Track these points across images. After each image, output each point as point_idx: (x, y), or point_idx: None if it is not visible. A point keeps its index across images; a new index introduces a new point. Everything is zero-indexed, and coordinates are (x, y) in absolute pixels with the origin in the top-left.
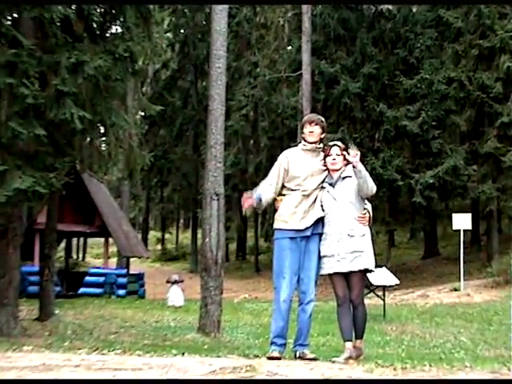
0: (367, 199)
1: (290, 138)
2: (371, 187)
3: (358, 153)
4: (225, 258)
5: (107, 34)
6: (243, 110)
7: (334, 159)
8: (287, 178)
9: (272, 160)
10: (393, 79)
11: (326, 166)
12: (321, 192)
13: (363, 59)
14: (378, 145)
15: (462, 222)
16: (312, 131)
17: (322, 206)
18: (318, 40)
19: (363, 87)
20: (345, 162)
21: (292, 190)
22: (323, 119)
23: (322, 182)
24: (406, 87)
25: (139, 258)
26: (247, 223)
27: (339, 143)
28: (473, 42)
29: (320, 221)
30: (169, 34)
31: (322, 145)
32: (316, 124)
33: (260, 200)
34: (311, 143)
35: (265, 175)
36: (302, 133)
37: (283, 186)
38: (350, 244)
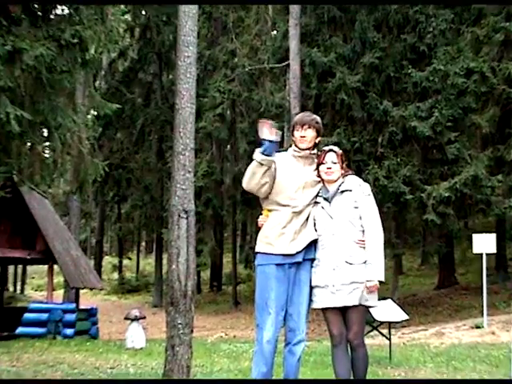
0: None
1: None
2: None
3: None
4: (196, 288)
5: (51, 16)
6: (218, 109)
7: (329, 168)
8: (274, 189)
9: None
10: (399, 71)
11: (319, 176)
12: (314, 208)
13: (363, 47)
14: (382, 150)
15: (484, 243)
16: (304, 136)
17: (315, 225)
18: (309, 23)
19: (363, 81)
20: (343, 170)
21: (280, 204)
22: (319, 120)
23: (316, 196)
24: (416, 80)
25: (91, 289)
26: (223, 246)
27: (335, 148)
28: (497, 25)
29: (313, 244)
30: (127, 16)
31: (316, 150)
32: (309, 127)
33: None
34: (303, 149)
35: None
36: (293, 136)
37: (267, 199)
38: (347, 273)
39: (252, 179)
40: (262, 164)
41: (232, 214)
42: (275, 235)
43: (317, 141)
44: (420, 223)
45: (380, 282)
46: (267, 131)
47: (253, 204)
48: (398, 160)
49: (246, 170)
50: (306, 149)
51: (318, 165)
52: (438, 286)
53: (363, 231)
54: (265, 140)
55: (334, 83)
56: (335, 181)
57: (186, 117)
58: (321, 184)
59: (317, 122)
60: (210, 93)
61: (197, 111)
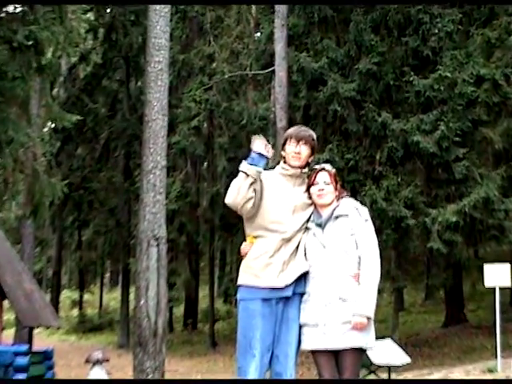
0: None
1: None
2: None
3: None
4: (168, 327)
5: (1, 15)
6: (193, 121)
7: (321, 189)
8: (260, 212)
9: None
10: (400, 78)
11: (310, 198)
12: (305, 235)
13: (359, 51)
14: (380, 169)
15: (497, 275)
16: (299, 152)
17: (305, 254)
18: (297, 24)
19: (359, 89)
20: (337, 192)
21: (267, 230)
22: (315, 136)
23: (307, 221)
24: (419, 89)
25: (47, 328)
26: (199, 278)
27: (328, 167)
28: (511, 27)
29: (303, 276)
30: (89, 15)
31: (307, 170)
32: (305, 143)
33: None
34: (295, 167)
35: (224, 211)
36: (283, 151)
37: (252, 223)
38: (341, 311)
39: (237, 193)
40: (248, 175)
41: (209, 241)
42: (261, 265)
43: (310, 160)
44: (424, 252)
45: (368, 318)
46: (260, 144)
47: (233, 229)
48: (399, 180)
49: (225, 190)
50: (298, 167)
51: (309, 186)
52: (444, 323)
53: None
54: (255, 152)
55: (326, 92)
56: (329, 204)
57: (157, 130)
58: (312, 207)
59: (313, 139)
60: (185, 103)
61: (169, 124)
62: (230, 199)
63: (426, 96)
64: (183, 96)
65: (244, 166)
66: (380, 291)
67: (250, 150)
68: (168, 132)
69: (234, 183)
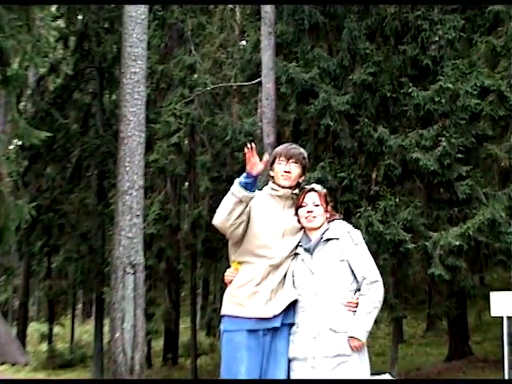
0: None
1: None
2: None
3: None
4: (146, 362)
5: None
6: (173, 138)
7: (310, 212)
8: (247, 236)
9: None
10: (398, 90)
11: (299, 221)
12: (293, 261)
13: (353, 60)
14: (377, 188)
15: (505, 304)
16: (288, 171)
17: (294, 282)
18: (286, 32)
19: (354, 102)
20: (328, 214)
21: (254, 255)
22: (306, 155)
23: (297, 246)
24: (418, 102)
25: (13, 365)
26: (180, 308)
27: (318, 187)
28: None
29: (292, 305)
30: (59, 22)
31: (297, 191)
32: (296, 161)
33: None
34: (285, 188)
35: (207, 236)
36: (272, 170)
37: (237, 248)
38: (332, 343)
39: (229, 217)
40: (242, 201)
41: (191, 268)
42: (247, 294)
43: (300, 180)
44: (425, 279)
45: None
46: (259, 168)
47: (217, 255)
48: (397, 200)
49: (208, 212)
50: (288, 187)
51: (297, 208)
52: (447, 357)
53: (354, 291)
54: (251, 176)
55: (317, 105)
56: (318, 228)
57: (134, 147)
58: (302, 232)
59: (304, 158)
60: (164, 117)
61: (147, 140)
62: (218, 221)
63: (426, 109)
64: (162, 110)
65: (237, 189)
66: (377, 321)
67: (243, 171)
68: (145, 149)
69: (225, 204)
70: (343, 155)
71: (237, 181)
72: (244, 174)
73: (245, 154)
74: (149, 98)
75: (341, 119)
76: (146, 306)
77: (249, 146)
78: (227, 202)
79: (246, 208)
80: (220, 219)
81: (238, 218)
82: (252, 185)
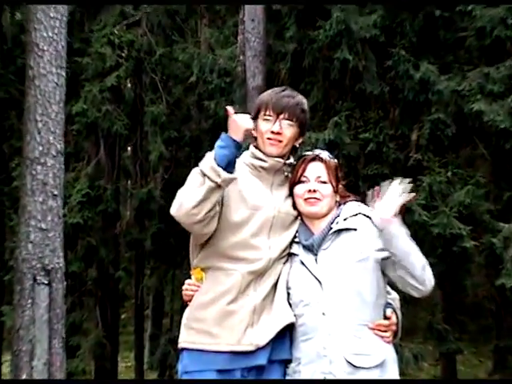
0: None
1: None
2: (424, 276)
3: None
4: None
5: None
6: (110, 78)
7: (312, 190)
8: (217, 231)
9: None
10: (451, 7)
11: (296, 206)
12: (287, 265)
13: None
14: (419, 157)
15: None
16: (279, 132)
17: (289, 296)
18: None
19: (384, 25)
20: (338, 197)
21: (228, 258)
22: (305, 105)
23: (291, 243)
24: (483, 24)
25: None
26: (119, 338)
27: (325, 154)
28: None
29: (287, 332)
30: None
31: (292, 160)
32: (291, 116)
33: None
34: (273, 156)
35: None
36: (255, 130)
37: (202, 247)
38: None
39: (199, 208)
40: (220, 187)
41: (136, 277)
42: (217, 317)
43: (297, 143)
44: (490, 293)
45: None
46: (239, 123)
47: (175, 257)
48: (449, 174)
49: (162, 192)
50: (279, 156)
51: (293, 185)
52: None
53: (382, 306)
54: (231, 139)
55: (329, 30)
56: (324, 215)
57: (49, 92)
58: (299, 220)
59: (302, 111)
60: (95, 47)
61: (69, 82)
62: (181, 212)
63: (495, 36)
64: (92, 36)
65: (212, 167)
66: (417, 357)
67: (218, 130)
68: (67, 96)
69: (193, 189)
70: (368, 106)
71: (210, 154)
72: (221, 139)
73: (226, 110)
74: (72, 18)
75: (365, 51)
76: (68, 335)
77: (229, 108)
78: (196, 187)
79: (222, 194)
80: (184, 210)
81: (211, 209)
82: (234, 157)
